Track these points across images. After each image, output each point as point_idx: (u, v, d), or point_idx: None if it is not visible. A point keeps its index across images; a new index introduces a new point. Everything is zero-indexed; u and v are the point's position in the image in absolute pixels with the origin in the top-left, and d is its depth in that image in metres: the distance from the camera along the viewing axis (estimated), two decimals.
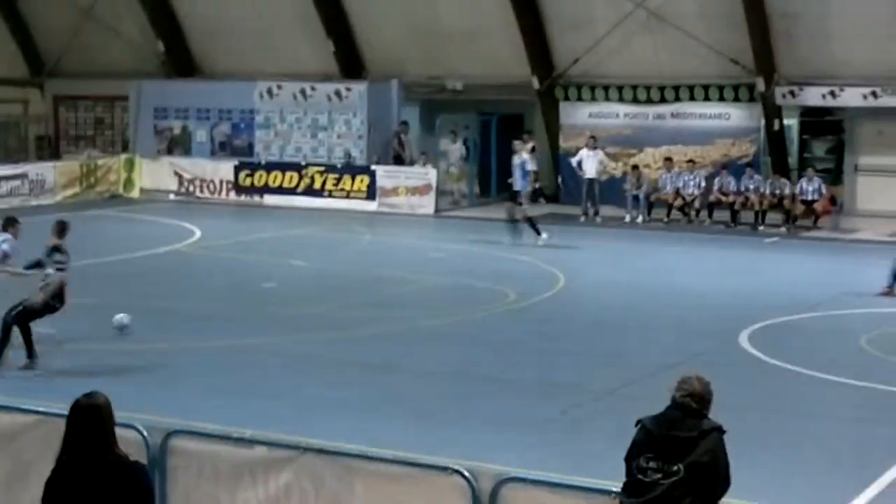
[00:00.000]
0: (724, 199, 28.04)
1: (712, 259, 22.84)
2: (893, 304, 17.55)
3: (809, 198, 27.36)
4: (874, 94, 28.91)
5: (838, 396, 12.58)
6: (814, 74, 29.47)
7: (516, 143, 25.53)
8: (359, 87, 32.07)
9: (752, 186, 27.93)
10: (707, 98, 30.63)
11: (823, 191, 27.56)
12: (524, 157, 24.63)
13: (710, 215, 28.07)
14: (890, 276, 18.07)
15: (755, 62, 29.58)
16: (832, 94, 29.40)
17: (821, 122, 31.00)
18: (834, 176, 30.08)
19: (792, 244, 25.25)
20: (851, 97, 29.23)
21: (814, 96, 29.65)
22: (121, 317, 14.87)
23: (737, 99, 30.30)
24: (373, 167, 30.56)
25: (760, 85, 29.62)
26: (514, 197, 24.25)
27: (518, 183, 24.20)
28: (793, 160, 30.56)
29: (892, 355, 14.34)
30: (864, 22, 28.39)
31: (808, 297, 18.00)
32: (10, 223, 14.21)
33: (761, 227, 27.17)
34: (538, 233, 23.56)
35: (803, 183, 27.73)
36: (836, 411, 12.00)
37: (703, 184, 28.53)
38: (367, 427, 10.89)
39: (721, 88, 30.44)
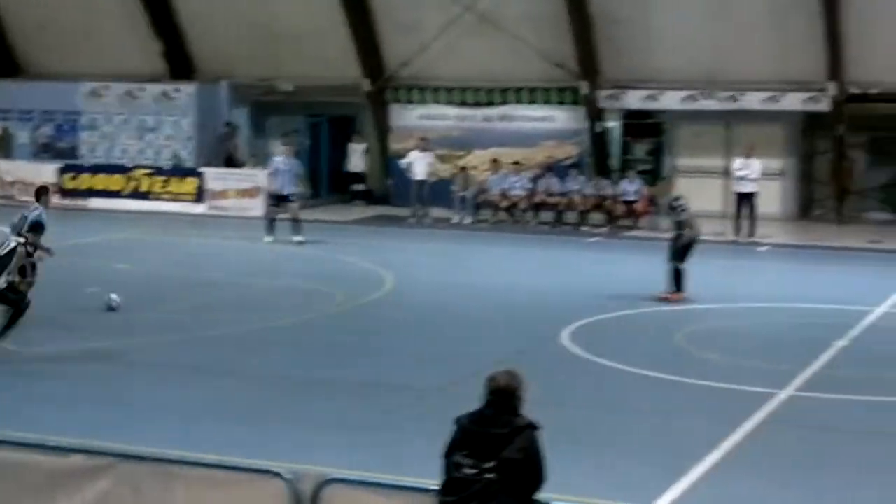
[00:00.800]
0: (548, 199, 28.67)
1: (537, 259, 23.34)
2: (710, 301, 18.25)
3: (630, 198, 28.18)
4: (692, 98, 29.90)
5: (654, 392, 13.00)
6: (635, 78, 30.32)
7: (279, 146, 26.57)
8: (187, 89, 31.78)
9: (575, 187, 28.65)
10: (533, 101, 31.25)
11: (644, 191, 28.40)
12: (290, 161, 25.41)
13: (535, 216, 28.67)
14: (671, 280, 18.62)
15: (579, 66, 30.29)
16: (652, 97, 30.32)
17: (642, 124, 31.90)
18: (654, 176, 31.00)
19: (613, 244, 25.98)
20: (671, 100, 30.19)
21: (635, 99, 30.53)
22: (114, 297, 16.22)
23: (561, 102, 31.00)
24: (201, 169, 30.30)
25: (584, 88, 30.35)
26: (285, 199, 24.89)
27: (287, 186, 24.83)
28: (615, 161, 31.39)
29: (707, 351, 14.92)
30: (683, 28, 29.35)
31: (628, 294, 18.54)
32: (43, 192, 14.40)
33: (584, 227, 27.90)
34: (271, 232, 24.43)
35: (624, 183, 28.54)
36: (652, 406, 12.40)
37: (529, 185, 29.11)
38: (192, 432, 10.89)
39: (546, 91, 31.11)
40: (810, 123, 30.50)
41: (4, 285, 13.51)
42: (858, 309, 17.70)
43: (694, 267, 18.86)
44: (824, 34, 28.10)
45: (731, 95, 29.58)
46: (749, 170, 26.78)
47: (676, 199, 19.22)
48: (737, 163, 27.15)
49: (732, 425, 11.32)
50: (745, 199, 26.58)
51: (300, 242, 23.93)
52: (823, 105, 29.00)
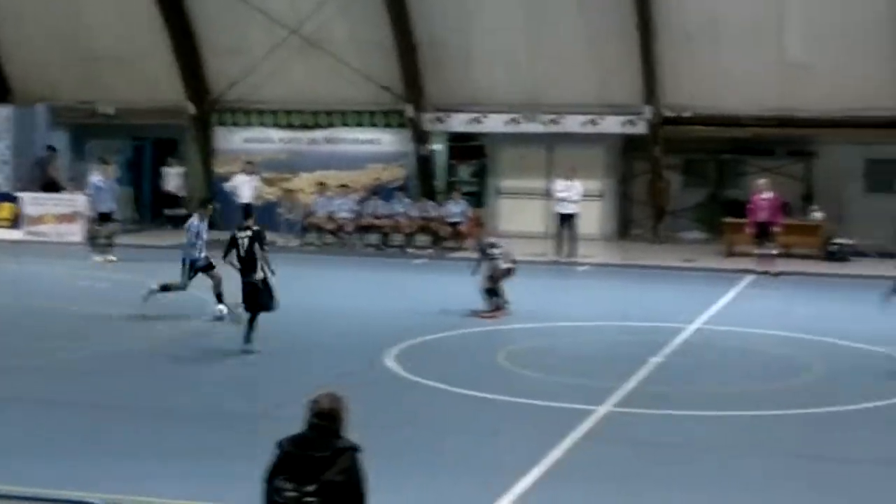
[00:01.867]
0: (375, 222, 28.86)
1: (363, 281, 23.47)
2: (531, 320, 18.63)
3: (455, 220, 28.56)
4: (515, 121, 30.50)
5: (476, 410, 13.22)
6: (460, 101, 30.80)
7: (96, 166, 26.61)
8: (3, 112, 30.99)
9: (401, 210, 28.90)
10: (359, 124, 31.47)
11: (468, 213, 28.81)
12: (109, 181, 25.76)
13: (361, 238, 28.82)
14: (486, 298, 18.99)
15: (405, 89, 30.62)
16: (476, 120, 30.84)
17: (466, 146, 32.39)
18: (479, 198, 31.49)
19: (439, 265, 26.28)
20: (494, 123, 30.76)
21: (459, 122, 31.02)
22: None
23: (387, 125, 31.29)
24: (18, 194, 29.56)
25: (410, 111, 30.69)
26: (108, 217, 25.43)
27: (107, 204, 25.30)
28: (441, 184, 31.78)
29: (528, 369, 15.24)
30: (505, 52, 29.97)
31: (453, 315, 18.79)
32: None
33: (410, 249, 28.16)
34: (97, 252, 25.17)
35: (450, 205, 28.91)
36: (473, 425, 12.61)
37: (356, 208, 29.25)
38: (11, 465, 10.64)
39: (372, 114, 31.37)
40: (628, 146, 31.43)
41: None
42: (673, 326, 18.31)
43: (516, 287, 19.24)
44: (640, 60, 29.03)
45: (553, 119, 30.29)
46: (570, 191, 27.40)
47: (491, 245, 19.41)
48: (558, 184, 27.76)
49: (553, 442, 11.58)
50: (567, 220, 27.18)
51: (110, 261, 24.39)
52: (640, 128, 29.92)
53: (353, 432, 6.65)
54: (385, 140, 31.55)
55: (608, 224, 31.14)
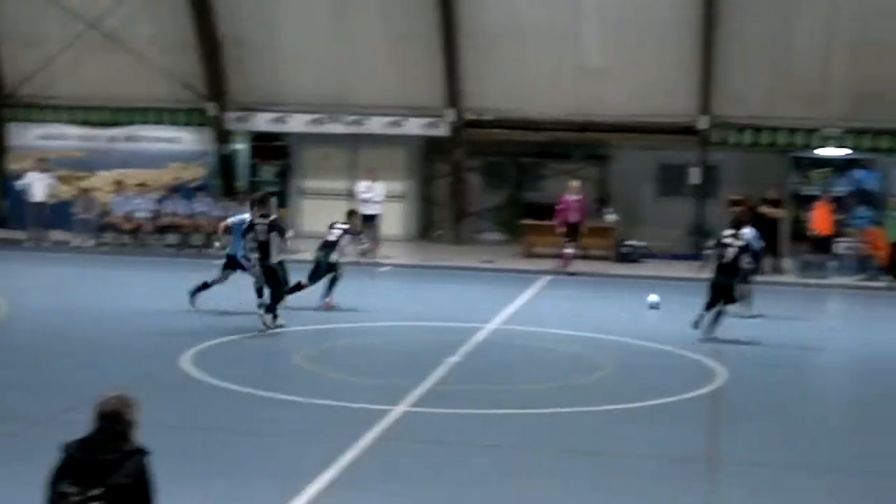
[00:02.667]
0: (174, 222, 28.43)
1: (161, 282, 23.07)
2: (331, 321, 18.67)
3: None
4: (318, 121, 30.49)
5: (272, 412, 13.14)
6: (263, 100, 30.62)
7: None
8: None
9: (202, 210, 28.54)
10: (159, 122, 30.96)
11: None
12: None
13: (160, 239, 28.36)
14: (326, 286, 19.31)
15: (207, 87, 30.27)
16: (280, 119, 30.69)
17: (270, 146, 32.19)
18: (281, 198, 31.28)
19: None
20: (297, 123, 30.68)
21: (263, 122, 30.85)
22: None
23: (189, 123, 30.88)
24: None
25: (212, 110, 30.36)
26: None
27: None
28: (243, 183, 31.50)
29: (325, 370, 15.27)
30: (309, 52, 29.93)
31: (251, 316, 18.60)
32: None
33: (210, 250, 27.75)
34: None
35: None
36: (268, 427, 12.55)
37: (154, 207, 28.77)
38: None
39: (173, 112, 30.89)
40: (430, 148, 31.76)
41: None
42: (471, 326, 18.60)
43: (318, 287, 19.25)
44: (442, 63, 29.37)
45: (356, 119, 30.37)
46: (373, 192, 27.54)
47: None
48: (361, 185, 27.86)
49: (347, 442, 11.63)
50: (369, 221, 27.27)
51: None
52: (442, 130, 30.28)
53: (143, 435, 6.54)
54: (186, 139, 31.12)
55: (410, 225, 31.41)
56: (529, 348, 17.49)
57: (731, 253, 17.94)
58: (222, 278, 19.57)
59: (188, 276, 23.82)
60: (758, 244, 20.69)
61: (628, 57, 28.84)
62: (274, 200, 19.47)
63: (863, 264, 26.78)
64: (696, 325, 17.99)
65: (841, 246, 27.13)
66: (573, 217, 26.39)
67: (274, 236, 17.77)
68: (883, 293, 24.98)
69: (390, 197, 28.58)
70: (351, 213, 20.56)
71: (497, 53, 29.43)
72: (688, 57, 28.56)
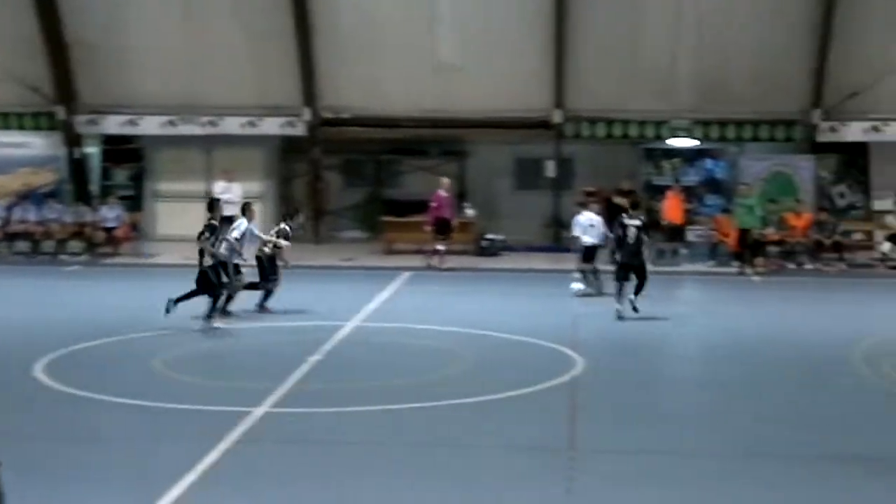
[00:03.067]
0: (25, 228, 27.77)
1: (12, 290, 22.54)
2: (188, 326, 18.39)
3: (111, 225, 27.86)
4: (172, 123, 30.06)
5: (131, 419, 12.91)
6: (114, 103, 30.10)
7: None
8: None
9: (53, 216, 27.94)
10: (7, 126, 30.22)
11: (124, 217, 28.16)
12: None
13: (10, 246, 27.68)
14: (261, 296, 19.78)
15: (55, 90, 29.62)
16: (132, 122, 30.18)
17: (122, 150, 31.64)
18: (135, 203, 30.84)
19: (93, 272, 25.59)
20: (150, 126, 30.20)
21: (114, 125, 30.33)
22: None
23: (37, 127, 30.20)
24: None
25: (61, 113, 29.73)
26: None
27: None
28: (95, 188, 30.93)
29: (185, 374, 15.06)
30: (160, 53, 29.50)
31: (107, 323, 18.36)
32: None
33: (63, 256, 27.25)
34: None
35: (104, 210, 28.16)
36: (127, 434, 12.31)
37: (3, 214, 28.06)
38: None
39: (21, 117, 30.17)
40: (288, 147, 31.58)
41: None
42: (332, 324, 18.56)
43: (176, 292, 18.99)
44: (298, 62, 29.21)
45: (211, 120, 30.02)
46: (230, 193, 27.22)
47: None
48: (217, 187, 27.55)
49: (209, 446, 11.49)
50: (228, 223, 26.90)
51: None
52: (300, 129, 30.12)
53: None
54: (35, 143, 30.41)
55: (269, 226, 31.10)
56: (390, 344, 17.52)
57: (633, 233, 19.33)
58: (271, 283, 20.05)
59: (40, 284, 23.47)
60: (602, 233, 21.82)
61: (483, 53, 29.10)
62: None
63: (713, 251, 27.48)
64: (635, 309, 19.14)
65: (692, 234, 27.81)
66: (446, 213, 26.56)
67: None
68: (733, 278, 25.65)
69: (248, 197, 28.24)
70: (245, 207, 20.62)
71: (353, 52, 29.40)
72: (541, 53, 28.94)
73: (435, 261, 26.05)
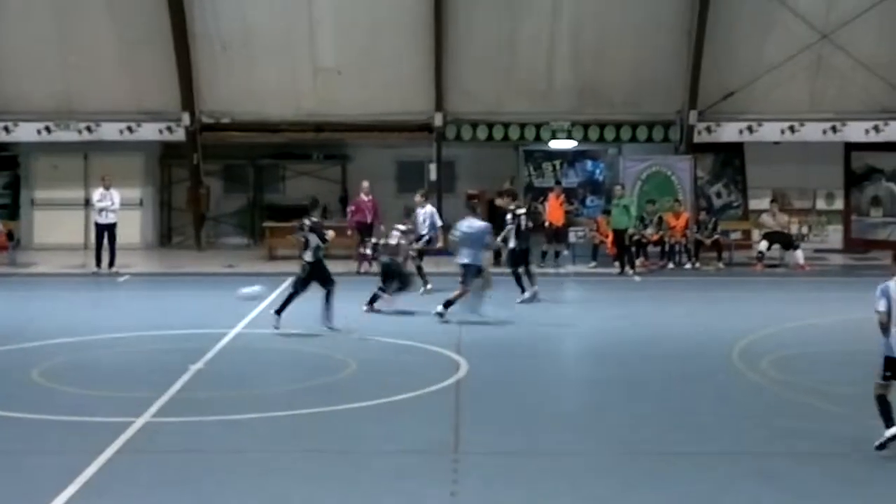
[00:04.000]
0: None
1: None
2: (70, 335, 18.08)
3: None
4: (48, 129, 29.53)
5: (7, 431, 12.65)
6: None
7: None
8: None
9: None
10: None
11: (0, 226, 27.59)
12: None
13: None
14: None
15: None
16: (6, 129, 29.56)
17: None
18: (11, 211, 30.24)
19: None
20: (25, 132, 29.62)
21: None
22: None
23: None
24: None
25: None
26: None
27: None
28: None
29: (64, 385, 14.79)
30: (34, 57, 28.94)
31: None
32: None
33: None
34: None
35: None
36: (4, 446, 12.07)
37: None
38: None
39: None
40: (167, 153, 31.23)
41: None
42: (215, 332, 18.41)
43: (56, 301, 18.64)
44: (176, 67, 28.88)
45: (88, 126, 29.56)
46: (108, 201, 26.80)
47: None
48: (96, 194, 27.05)
49: (88, 458, 11.33)
50: (106, 230, 26.55)
51: None
52: (178, 135, 29.80)
53: None
54: None
55: (149, 232, 30.80)
56: (273, 351, 17.46)
57: (523, 221, 22.17)
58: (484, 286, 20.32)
59: None
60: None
61: (363, 57, 29.13)
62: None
63: (595, 252, 27.86)
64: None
65: (574, 235, 28.17)
66: (366, 217, 26.40)
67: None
68: (614, 279, 26.02)
69: (127, 204, 27.89)
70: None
71: (232, 56, 29.22)
72: (421, 56, 29.05)
73: (364, 266, 25.81)
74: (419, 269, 22.94)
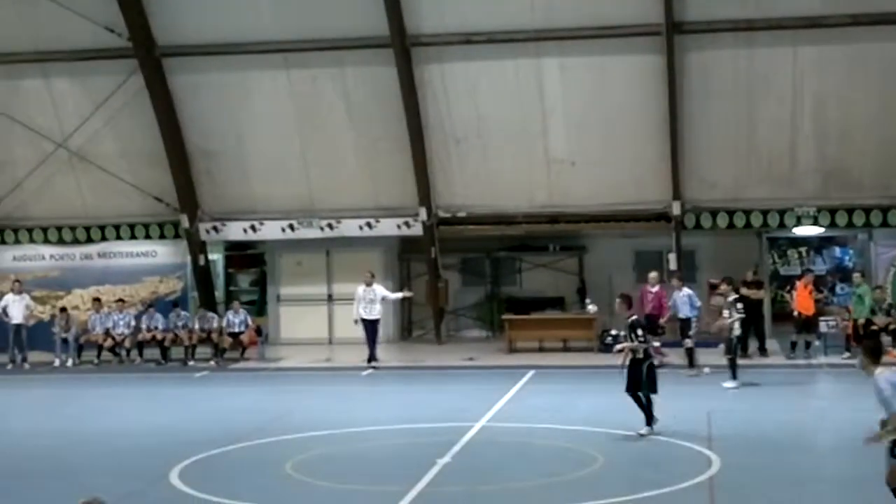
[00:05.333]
0: (154, 336, 28.24)
1: (143, 398, 22.87)
2: (320, 428, 18.40)
3: (236, 330, 28.20)
4: (291, 227, 30.46)
5: None
6: (235, 210, 30.61)
7: None
8: None
9: (180, 322, 28.38)
10: (133, 236, 30.88)
11: (249, 322, 28.48)
12: None
13: (140, 354, 28.15)
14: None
15: (179, 199, 30.25)
16: (253, 227, 30.63)
17: (244, 255, 32.15)
18: (259, 307, 31.23)
19: (221, 377, 25.85)
20: (271, 230, 30.63)
21: (236, 231, 30.77)
22: None
23: (163, 236, 30.82)
24: None
25: (185, 221, 30.27)
26: None
27: None
28: (220, 293, 31.43)
29: (317, 478, 15.01)
30: (278, 159, 30.01)
31: (237, 428, 18.45)
32: None
33: (191, 362, 27.63)
34: None
35: (230, 315, 28.51)
36: None
37: (133, 322, 28.60)
38: None
39: (147, 226, 30.83)
40: (406, 247, 31.76)
41: None
42: (459, 425, 18.37)
43: (300, 395, 19.02)
44: (412, 163, 29.43)
45: (329, 223, 30.35)
46: (372, 296, 26.98)
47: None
48: (360, 290, 27.08)
49: None
50: (370, 325, 26.81)
51: None
52: (416, 229, 30.25)
53: None
54: (161, 252, 31.04)
55: (390, 326, 31.28)
56: (520, 444, 17.31)
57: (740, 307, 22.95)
58: None
59: (171, 391, 23.78)
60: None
61: (596, 147, 28.99)
62: None
63: (848, 342, 26.70)
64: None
65: (824, 325, 27.08)
66: (651, 309, 25.67)
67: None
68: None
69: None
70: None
71: (465, 150, 29.53)
72: (656, 144, 28.70)
73: (658, 358, 25.34)
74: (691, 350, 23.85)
